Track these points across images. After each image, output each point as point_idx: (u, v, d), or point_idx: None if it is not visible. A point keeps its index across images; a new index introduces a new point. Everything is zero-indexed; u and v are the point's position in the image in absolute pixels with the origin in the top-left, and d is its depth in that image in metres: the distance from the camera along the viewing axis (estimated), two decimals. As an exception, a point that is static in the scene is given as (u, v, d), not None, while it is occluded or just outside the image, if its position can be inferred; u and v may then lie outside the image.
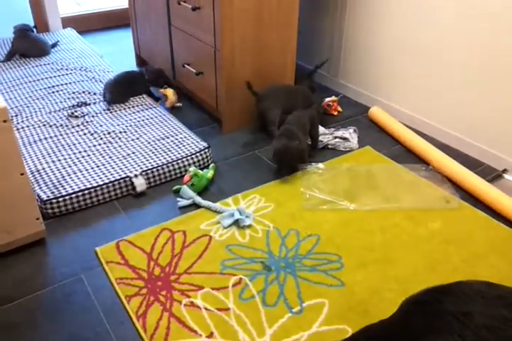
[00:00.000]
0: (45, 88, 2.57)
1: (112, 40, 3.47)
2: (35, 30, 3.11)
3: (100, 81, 2.66)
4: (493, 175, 1.99)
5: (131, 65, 3.04)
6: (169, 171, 1.95)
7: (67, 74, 2.75)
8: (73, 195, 1.77)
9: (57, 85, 2.60)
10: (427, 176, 1.97)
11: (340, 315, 1.38)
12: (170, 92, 2.50)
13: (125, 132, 2.16)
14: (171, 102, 2.50)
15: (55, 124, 2.21)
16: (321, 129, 2.25)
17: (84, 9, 3.88)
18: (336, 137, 2.20)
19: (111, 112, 2.33)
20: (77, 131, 2.17)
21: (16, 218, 1.54)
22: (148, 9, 2.63)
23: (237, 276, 1.51)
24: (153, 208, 1.82)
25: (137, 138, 2.12)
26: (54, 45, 3.12)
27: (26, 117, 2.27)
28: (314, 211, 1.79)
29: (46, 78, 2.69)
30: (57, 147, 2.05)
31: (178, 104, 2.54)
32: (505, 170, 2.01)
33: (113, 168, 1.92)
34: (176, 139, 2.10)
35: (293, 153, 1.93)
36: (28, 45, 2.95)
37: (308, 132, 2.08)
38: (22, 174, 1.48)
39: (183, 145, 2.06)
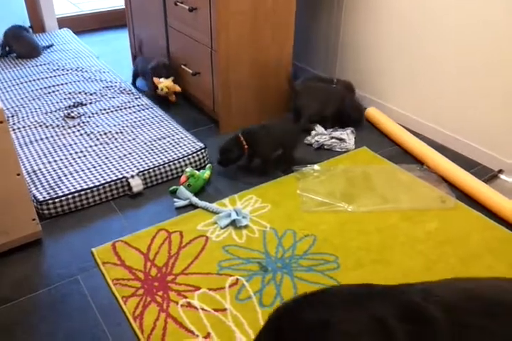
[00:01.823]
0: (41, 88, 2.57)
1: (108, 41, 3.47)
2: (30, 30, 3.08)
3: (96, 81, 2.66)
4: (488, 176, 1.99)
5: (127, 65, 3.04)
6: (166, 172, 1.95)
7: (63, 74, 2.75)
8: (69, 196, 1.77)
9: (54, 86, 2.60)
10: (422, 176, 1.97)
11: (336, 315, 1.38)
12: (165, 84, 2.45)
13: (121, 133, 2.16)
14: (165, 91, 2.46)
15: (51, 125, 2.21)
16: (320, 129, 2.26)
17: (80, 10, 3.88)
18: (332, 138, 2.20)
19: (107, 113, 2.33)
20: (74, 132, 2.17)
21: (12, 219, 1.53)
22: (145, 10, 2.63)
23: (233, 277, 1.51)
24: (150, 209, 1.82)
25: (134, 139, 2.12)
26: (48, 47, 3.10)
27: (22, 118, 2.27)
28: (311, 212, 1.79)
29: (42, 78, 2.69)
30: (53, 148, 2.05)
31: (171, 97, 2.51)
32: (500, 171, 2.01)
33: (109, 168, 1.92)
34: (173, 140, 2.10)
35: (229, 158, 1.97)
36: (19, 43, 2.94)
37: (284, 151, 2.04)
38: (18, 175, 1.47)
39: (180, 146, 2.06)
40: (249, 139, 1.95)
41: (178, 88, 2.47)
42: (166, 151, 2.03)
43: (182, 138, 2.12)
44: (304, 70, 2.83)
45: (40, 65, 2.87)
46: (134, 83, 2.78)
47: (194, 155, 2.01)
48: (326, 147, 2.19)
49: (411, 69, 2.25)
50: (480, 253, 1.62)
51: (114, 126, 2.22)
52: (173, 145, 2.06)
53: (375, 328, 0.79)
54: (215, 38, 2.06)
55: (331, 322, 0.80)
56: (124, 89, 2.56)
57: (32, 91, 2.54)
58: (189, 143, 2.07)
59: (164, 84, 2.44)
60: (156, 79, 2.47)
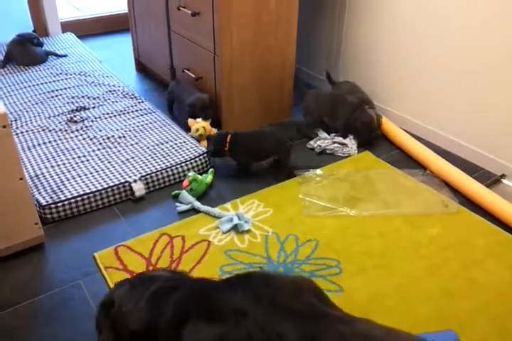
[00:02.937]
0: (44, 93, 2.58)
1: (112, 45, 3.48)
2: (36, 38, 3.03)
3: (99, 85, 2.66)
4: (491, 180, 1.99)
5: (130, 69, 3.05)
6: (168, 176, 1.95)
7: (66, 78, 2.75)
8: (72, 200, 1.77)
9: (57, 90, 2.61)
10: (425, 181, 1.97)
11: (339, 320, 1.38)
12: (202, 124, 2.15)
13: (124, 137, 2.17)
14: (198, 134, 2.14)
15: (54, 129, 2.22)
16: (322, 134, 2.26)
17: (83, 14, 3.90)
18: (334, 142, 2.20)
19: (110, 117, 2.34)
20: (77, 136, 2.17)
21: (15, 223, 1.54)
22: (148, 14, 2.64)
23: (236, 282, 1.50)
24: (152, 213, 1.82)
25: (136, 143, 2.12)
26: (56, 55, 3.08)
27: (26, 122, 2.28)
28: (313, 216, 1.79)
29: (45, 83, 2.70)
30: (56, 152, 2.05)
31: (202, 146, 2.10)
32: (503, 176, 2.01)
33: (112, 173, 1.92)
34: (175, 144, 2.10)
35: (210, 151, 2.02)
36: (22, 58, 2.91)
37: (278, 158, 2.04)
38: (21, 179, 1.48)
39: (182, 150, 2.06)
40: (232, 142, 1.96)
41: (214, 132, 2.16)
42: (169, 156, 2.03)
43: (185, 142, 2.12)
44: (306, 74, 2.84)
45: (44, 69, 2.88)
46: (170, 109, 2.49)
47: (197, 159, 2.01)
48: (328, 151, 2.19)
49: (413, 74, 2.25)
50: (483, 257, 1.61)
51: (117, 130, 2.22)
52: (176, 150, 2.06)
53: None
54: (218, 42, 2.06)
55: (249, 314, 0.84)
56: (127, 94, 2.57)
57: (35, 95, 2.55)
58: (192, 148, 2.07)
59: (201, 124, 2.13)
60: (191, 121, 2.16)
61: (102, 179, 1.88)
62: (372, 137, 2.24)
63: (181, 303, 0.89)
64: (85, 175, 1.91)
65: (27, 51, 2.93)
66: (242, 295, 0.86)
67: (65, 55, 3.08)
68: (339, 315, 0.89)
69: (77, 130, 2.22)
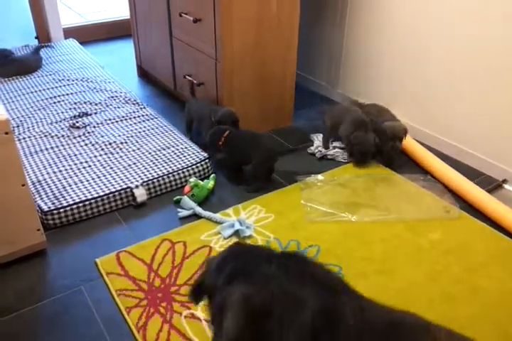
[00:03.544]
0: (46, 99, 2.59)
1: (114, 51, 3.49)
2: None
3: (101, 91, 2.67)
4: (493, 186, 1.99)
5: (132, 75, 3.06)
6: (170, 182, 1.96)
7: (68, 84, 2.77)
8: (74, 206, 1.78)
9: (59, 96, 2.62)
10: (426, 186, 1.97)
11: (340, 326, 1.37)
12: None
13: (126, 143, 2.17)
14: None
15: (56, 135, 2.22)
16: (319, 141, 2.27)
17: (86, 20, 3.92)
18: (335, 147, 2.21)
19: (112, 123, 2.34)
20: (79, 142, 2.18)
21: (17, 229, 1.54)
22: (150, 20, 2.65)
23: (237, 287, 1.50)
24: (154, 219, 1.82)
25: (138, 149, 2.13)
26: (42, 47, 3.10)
27: (28, 128, 2.28)
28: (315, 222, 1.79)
29: (48, 89, 2.71)
30: (58, 158, 2.06)
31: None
32: (504, 181, 2.01)
33: (114, 178, 1.92)
34: (177, 150, 2.11)
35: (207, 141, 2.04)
36: (10, 69, 2.87)
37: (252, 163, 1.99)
38: (23, 185, 1.48)
39: (184, 156, 2.06)
40: (227, 139, 1.96)
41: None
42: (170, 161, 2.03)
43: (186, 148, 2.12)
44: (307, 80, 2.85)
45: (46, 75, 2.89)
46: (189, 130, 2.32)
47: (198, 165, 2.02)
48: (329, 157, 2.19)
49: (413, 78, 2.26)
50: (484, 263, 1.61)
51: (119, 136, 2.23)
52: (177, 155, 2.07)
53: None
54: (219, 49, 2.07)
55: (277, 279, 0.99)
56: (128, 99, 2.58)
57: (37, 101, 2.56)
58: (193, 153, 2.08)
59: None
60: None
61: (104, 185, 1.88)
62: (368, 157, 2.13)
63: (234, 269, 1.05)
64: (87, 180, 1.91)
65: (14, 66, 2.87)
66: (276, 266, 1.02)
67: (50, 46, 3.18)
68: (361, 295, 1.03)
69: (79, 136, 2.23)
